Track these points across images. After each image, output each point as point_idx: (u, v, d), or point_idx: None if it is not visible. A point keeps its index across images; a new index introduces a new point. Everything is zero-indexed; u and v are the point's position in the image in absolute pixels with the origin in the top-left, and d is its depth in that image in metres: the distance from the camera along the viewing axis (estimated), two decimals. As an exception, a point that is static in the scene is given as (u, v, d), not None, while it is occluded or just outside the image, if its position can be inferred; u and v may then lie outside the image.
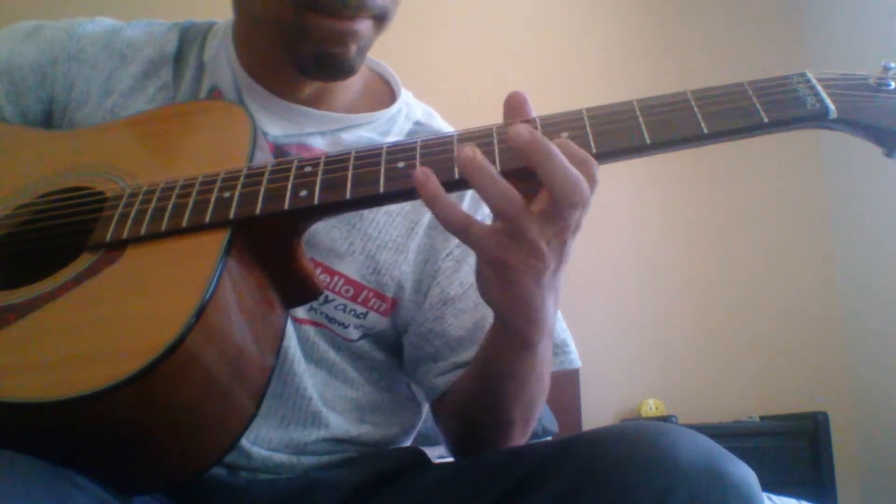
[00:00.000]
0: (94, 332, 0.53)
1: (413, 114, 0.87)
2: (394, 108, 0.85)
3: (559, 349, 0.83)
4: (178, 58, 0.82)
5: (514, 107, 0.59)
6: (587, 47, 3.31)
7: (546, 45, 3.25)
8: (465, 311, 0.79)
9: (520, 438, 0.77)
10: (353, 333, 0.79)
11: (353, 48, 0.72)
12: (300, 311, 0.76)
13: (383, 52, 0.86)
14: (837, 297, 3.24)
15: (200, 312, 0.51)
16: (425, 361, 0.81)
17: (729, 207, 3.26)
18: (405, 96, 0.88)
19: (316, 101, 0.81)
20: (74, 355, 0.51)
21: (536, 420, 0.77)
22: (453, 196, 0.81)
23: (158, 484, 0.59)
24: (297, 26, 0.70)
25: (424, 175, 0.55)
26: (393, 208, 0.80)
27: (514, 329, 0.63)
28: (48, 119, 0.81)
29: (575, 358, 0.85)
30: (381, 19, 0.74)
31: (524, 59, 3.16)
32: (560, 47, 3.27)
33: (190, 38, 0.84)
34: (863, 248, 3.17)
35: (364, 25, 0.72)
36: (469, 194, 0.82)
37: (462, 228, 0.55)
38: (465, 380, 0.77)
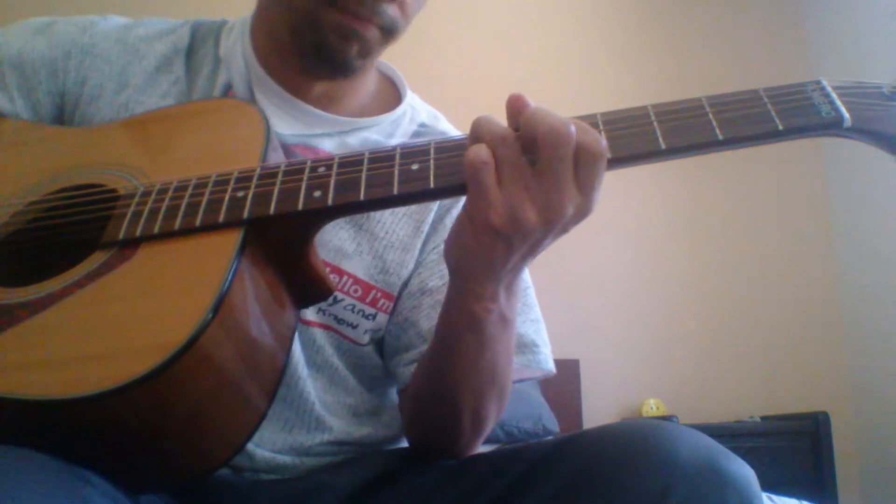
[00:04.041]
0: (107, 330, 0.53)
1: (417, 116, 0.88)
2: (398, 111, 0.86)
3: (527, 348, 0.82)
4: (191, 52, 0.83)
5: (515, 112, 0.58)
6: (591, 49, 3.32)
7: (551, 48, 3.26)
8: (441, 304, 0.78)
9: (470, 435, 0.74)
10: (364, 337, 0.79)
11: (355, 48, 0.75)
12: (309, 313, 0.76)
13: (387, 54, 0.87)
14: (838, 297, 3.24)
15: (215, 311, 0.51)
16: (398, 352, 0.80)
17: (730, 209, 3.26)
18: (411, 99, 0.89)
19: (327, 103, 0.82)
20: (87, 353, 0.51)
21: (492, 420, 0.75)
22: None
23: (168, 482, 0.59)
24: (310, 16, 0.73)
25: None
26: (399, 209, 0.80)
27: (463, 301, 0.63)
28: (59, 113, 0.81)
29: (545, 360, 0.83)
30: (389, 32, 0.76)
31: (530, 62, 3.17)
32: (565, 49, 3.28)
33: (202, 34, 0.85)
34: (863, 248, 3.17)
35: (371, 33, 0.74)
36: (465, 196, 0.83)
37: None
38: (420, 363, 0.77)
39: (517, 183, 0.54)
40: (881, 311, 3.05)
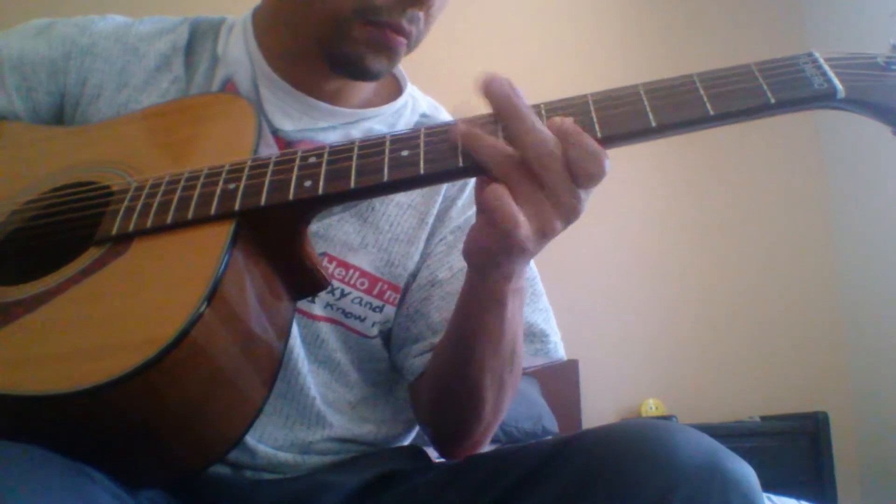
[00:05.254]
0: (101, 325, 0.53)
1: (419, 106, 0.89)
2: (400, 101, 0.87)
3: (537, 338, 0.83)
4: (189, 51, 0.83)
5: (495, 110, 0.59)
6: (588, 40, 3.32)
7: (551, 42, 3.26)
8: (451, 295, 0.79)
9: (491, 419, 0.76)
10: (373, 330, 0.79)
11: (385, 60, 0.76)
12: (316, 308, 0.77)
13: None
14: (838, 297, 3.24)
15: (206, 303, 0.51)
16: (407, 343, 0.81)
17: (730, 209, 3.26)
18: (411, 90, 0.90)
19: (334, 98, 0.82)
20: (82, 348, 0.51)
21: (508, 403, 0.77)
22: (457, 184, 0.80)
23: (166, 476, 0.59)
24: (347, 29, 0.73)
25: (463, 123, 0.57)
26: (403, 201, 0.81)
27: (489, 285, 0.65)
28: (59, 114, 0.81)
29: (555, 349, 0.84)
30: (415, 44, 0.78)
31: (526, 51, 3.17)
32: (561, 41, 3.28)
33: (201, 32, 0.85)
34: (863, 248, 3.17)
35: (402, 46, 0.76)
36: (469, 187, 0.83)
37: (507, 161, 0.56)
38: (439, 350, 0.77)
39: (535, 197, 0.55)
40: (881, 311, 3.05)
